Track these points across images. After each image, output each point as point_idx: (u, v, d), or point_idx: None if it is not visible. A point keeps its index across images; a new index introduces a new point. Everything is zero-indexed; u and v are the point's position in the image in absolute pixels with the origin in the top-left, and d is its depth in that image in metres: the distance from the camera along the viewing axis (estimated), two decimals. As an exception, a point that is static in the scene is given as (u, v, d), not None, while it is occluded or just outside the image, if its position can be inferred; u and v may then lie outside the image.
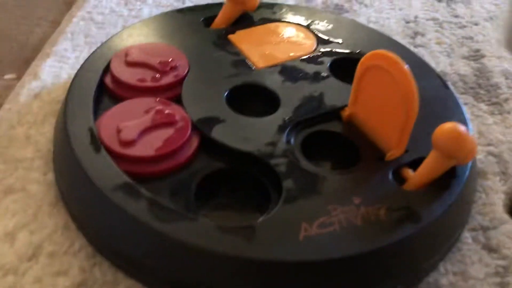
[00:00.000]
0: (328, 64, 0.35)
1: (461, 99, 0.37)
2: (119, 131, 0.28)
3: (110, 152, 0.27)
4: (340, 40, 0.37)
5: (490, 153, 0.33)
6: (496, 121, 0.36)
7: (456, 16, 0.46)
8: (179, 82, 0.32)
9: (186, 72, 0.33)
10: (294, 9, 0.40)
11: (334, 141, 0.30)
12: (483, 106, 0.37)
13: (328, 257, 0.23)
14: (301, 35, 0.38)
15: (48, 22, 0.44)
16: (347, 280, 0.23)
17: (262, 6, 0.39)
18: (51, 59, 0.38)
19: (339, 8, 0.47)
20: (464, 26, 0.45)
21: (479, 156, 0.33)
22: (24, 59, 0.39)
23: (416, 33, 0.44)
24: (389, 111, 0.28)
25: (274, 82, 0.33)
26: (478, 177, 0.31)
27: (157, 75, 0.32)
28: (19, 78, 0.37)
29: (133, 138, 0.27)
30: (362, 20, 0.45)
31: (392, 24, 0.45)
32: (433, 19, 0.46)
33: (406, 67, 0.26)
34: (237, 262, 0.23)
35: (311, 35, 0.38)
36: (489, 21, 0.46)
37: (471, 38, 0.44)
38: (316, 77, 0.34)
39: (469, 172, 0.28)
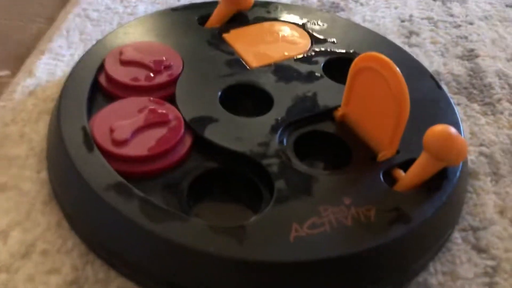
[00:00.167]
0: (322, 64, 0.35)
1: (454, 99, 0.37)
2: (112, 130, 0.28)
3: (103, 151, 0.27)
4: (334, 40, 0.37)
5: (482, 154, 0.33)
6: (488, 121, 0.36)
7: (451, 15, 0.47)
8: (173, 82, 0.32)
9: (180, 71, 0.33)
10: (289, 7, 0.41)
11: (327, 141, 0.31)
12: (476, 106, 0.37)
13: (318, 258, 0.23)
14: (296, 34, 0.38)
15: (43, 18, 0.44)
16: (337, 281, 0.24)
17: (257, 4, 0.39)
18: (46, 57, 0.38)
19: (334, 7, 0.47)
20: (459, 26, 0.45)
21: (471, 157, 0.33)
22: (19, 56, 0.39)
23: (411, 32, 0.44)
24: (381, 112, 0.28)
25: (267, 81, 0.33)
26: (469, 178, 0.31)
27: (151, 74, 0.32)
28: (13, 75, 0.37)
29: (126, 137, 0.28)
30: (357, 18, 0.45)
31: (387, 23, 0.45)
32: (428, 18, 0.46)
33: (398, 69, 0.27)
34: (228, 263, 0.23)
35: (305, 34, 0.38)
36: (484, 20, 0.46)
37: (465, 37, 0.44)
38: (310, 77, 0.34)
39: (459, 173, 0.28)
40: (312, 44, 0.37)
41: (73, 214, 0.27)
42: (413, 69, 0.35)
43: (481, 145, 0.34)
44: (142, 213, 0.24)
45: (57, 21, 0.42)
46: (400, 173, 0.28)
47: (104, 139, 0.28)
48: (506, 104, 0.37)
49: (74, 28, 0.41)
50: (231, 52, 0.35)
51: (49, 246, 0.26)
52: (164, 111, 0.29)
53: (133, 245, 0.25)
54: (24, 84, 0.35)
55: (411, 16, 0.46)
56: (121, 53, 0.33)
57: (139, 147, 0.27)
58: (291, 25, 0.38)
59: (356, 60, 0.29)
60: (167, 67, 0.33)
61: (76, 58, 0.37)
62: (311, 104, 0.32)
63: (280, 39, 0.37)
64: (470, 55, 0.42)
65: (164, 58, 0.33)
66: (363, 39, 0.38)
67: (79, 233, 0.26)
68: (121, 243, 0.25)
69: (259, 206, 0.27)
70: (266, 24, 0.38)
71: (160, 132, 0.28)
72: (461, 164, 0.29)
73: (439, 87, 0.34)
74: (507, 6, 0.48)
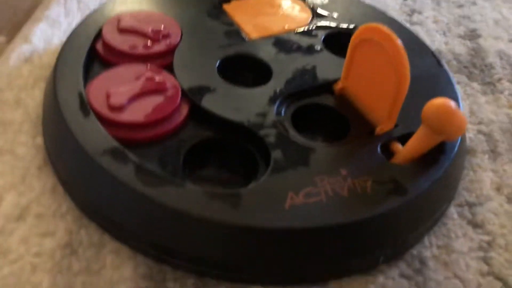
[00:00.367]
0: (322, 38, 0.34)
1: (455, 77, 0.37)
2: (108, 96, 0.28)
3: (99, 117, 0.27)
4: (335, 15, 0.37)
5: (480, 132, 0.33)
6: (488, 100, 0.36)
7: (455, -5, 0.46)
8: (171, 51, 0.32)
9: (178, 40, 0.33)
10: (291, -19, 0.40)
11: (325, 115, 0.30)
12: (476, 85, 0.37)
13: (312, 226, 0.23)
14: (297, 7, 0.37)
15: (41, -14, 0.43)
16: (331, 249, 0.24)
17: (258, -23, 0.39)
18: (43, 24, 0.37)
19: (337, -17, 0.46)
20: (462, 5, 0.45)
21: (469, 135, 0.33)
22: (15, 23, 0.39)
23: (413, 11, 0.44)
24: (381, 85, 0.28)
25: (266, 53, 0.33)
26: (467, 155, 0.31)
27: (149, 43, 0.32)
28: (9, 41, 0.37)
29: (122, 103, 0.27)
30: (359, -4, 0.45)
31: (390, 1, 0.45)
32: (431, -3, 0.46)
33: (399, 41, 0.26)
34: (222, 228, 0.23)
35: (306, 9, 0.37)
36: (488, 0, 0.45)
37: (468, 17, 0.43)
38: (310, 50, 0.33)
39: (457, 148, 0.28)
40: (313, 18, 0.36)
41: (68, 179, 0.27)
42: (414, 46, 0.35)
43: (480, 123, 0.34)
44: (138, 178, 0.24)
45: (55, -11, 0.41)
46: (397, 146, 0.28)
47: (100, 104, 0.27)
48: (506, 84, 0.37)
49: (72, -3, 0.40)
50: (231, 23, 0.35)
51: (44, 210, 0.26)
52: (161, 79, 0.29)
53: (127, 210, 0.24)
54: (20, 50, 0.35)
55: (414, -6, 0.46)
56: (119, 21, 0.33)
57: (135, 113, 0.27)
58: (293, -2, 0.38)
59: (357, 32, 0.28)
60: (166, 36, 0.32)
61: (74, 26, 0.37)
62: (310, 76, 0.31)
63: (281, 12, 0.36)
64: (472, 35, 0.41)
65: (162, 27, 0.33)
66: (365, 15, 0.37)
67: (74, 198, 0.26)
68: (116, 208, 0.25)
69: (255, 177, 0.26)
70: (267, -3, 0.38)
71: (157, 99, 0.28)
72: (459, 140, 0.28)
73: (440, 64, 0.34)
74: (511, -13, 0.48)
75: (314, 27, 0.35)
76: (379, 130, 0.28)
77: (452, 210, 0.28)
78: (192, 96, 0.29)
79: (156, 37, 0.32)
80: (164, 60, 0.31)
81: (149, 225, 0.24)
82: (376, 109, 0.29)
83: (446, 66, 0.34)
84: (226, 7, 0.36)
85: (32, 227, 0.25)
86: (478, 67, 0.38)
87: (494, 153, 0.32)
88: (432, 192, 0.26)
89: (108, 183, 0.25)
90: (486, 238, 0.27)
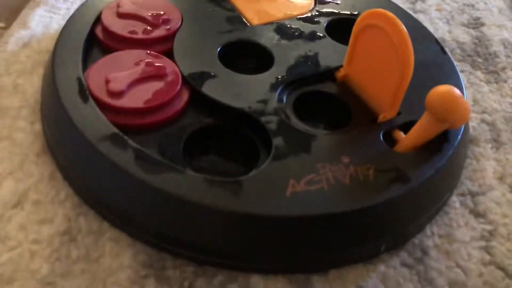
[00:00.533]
0: (325, 25, 0.34)
1: (458, 66, 0.37)
2: (107, 81, 0.27)
3: (98, 102, 0.27)
4: (338, 1, 0.36)
5: (483, 121, 0.33)
6: (491, 89, 0.35)
7: (459, -17, 0.45)
8: (171, 36, 0.31)
9: (178, 26, 0.32)
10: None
11: (327, 102, 0.30)
12: (479, 74, 0.36)
13: (313, 213, 0.23)
14: (299, -6, 0.37)
15: (39, -29, 0.42)
16: (333, 237, 0.23)
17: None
18: (42, 9, 0.37)
19: (339, -30, 0.45)
20: (466, -7, 0.44)
21: (473, 123, 0.33)
22: (14, 8, 0.38)
23: (417, -1, 0.43)
24: (384, 72, 0.27)
25: (268, 39, 0.32)
26: (470, 144, 0.31)
27: (149, 28, 0.31)
28: (8, 27, 0.36)
29: (122, 89, 0.27)
30: (362, -17, 0.44)
31: (393, -12, 0.44)
32: (435, -16, 0.45)
33: (403, 26, 0.26)
34: (223, 215, 0.23)
35: (309, -5, 0.37)
36: (492, -11, 0.45)
37: (472, 5, 0.43)
38: (312, 36, 0.33)
39: (460, 137, 0.28)
40: (315, 4, 0.36)
41: (67, 165, 0.26)
42: (418, 33, 0.34)
43: (483, 112, 0.33)
44: (137, 164, 0.24)
45: (53, -26, 0.41)
46: (400, 134, 0.27)
47: (99, 90, 0.27)
48: (510, 73, 0.36)
49: (70, -18, 0.40)
50: (232, 8, 0.34)
51: (42, 197, 0.26)
52: (161, 65, 0.29)
53: (127, 196, 0.24)
54: (18, 35, 0.34)
55: (417, -18, 0.45)
56: (118, 5, 0.32)
57: (135, 99, 0.27)
58: (295, -16, 0.37)
59: (360, 17, 0.28)
60: (166, 21, 0.32)
61: (72, 12, 0.36)
62: (312, 63, 0.31)
63: (283, -2, 0.36)
64: (476, 23, 0.41)
65: (162, 12, 0.32)
66: (368, 1, 0.37)
67: (73, 184, 0.26)
68: (115, 194, 0.24)
69: (255, 164, 0.26)
70: (269, -17, 0.37)
71: (156, 85, 0.28)
72: (462, 128, 0.28)
73: (444, 51, 0.33)
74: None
75: (316, 13, 0.35)
76: (381, 117, 0.28)
77: (454, 199, 0.28)
78: (192, 82, 0.29)
79: (156, 22, 0.32)
80: (164, 46, 0.31)
81: (148, 212, 0.24)
82: (379, 96, 0.28)
83: (450, 54, 0.34)
84: (227, -8, 0.35)
85: (30, 214, 0.25)
86: (482, 55, 0.38)
87: (497, 142, 0.31)
88: (434, 181, 0.26)
89: (108, 169, 0.24)
90: (488, 227, 0.27)
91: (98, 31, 0.31)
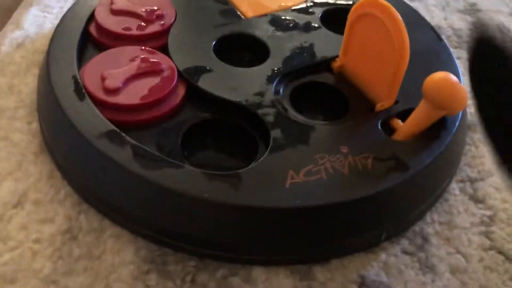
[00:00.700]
0: (320, 15, 0.34)
1: (455, 53, 0.36)
2: (103, 79, 0.27)
3: (95, 100, 0.27)
4: (333, -9, 0.36)
5: (481, 107, 0.33)
6: (488, 75, 0.35)
7: (454, -31, 0.45)
8: (166, 31, 0.31)
9: (172, 21, 0.32)
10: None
11: (324, 93, 0.30)
12: (476, 60, 0.36)
13: (314, 204, 0.23)
14: (293, -16, 0.36)
15: (31, -30, 0.42)
16: (333, 227, 0.23)
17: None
18: (35, 8, 0.37)
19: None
20: (461, -21, 0.44)
21: (470, 110, 0.32)
22: (6, 8, 0.38)
23: (411, -14, 0.43)
24: (380, 61, 0.27)
25: (263, 32, 0.32)
26: (468, 130, 0.31)
27: (143, 24, 0.31)
28: (1, 27, 0.36)
29: (118, 86, 0.27)
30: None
31: (387, -23, 0.44)
32: (430, -29, 0.45)
33: (398, 14, 0.26)
34: (223, 208, 0.23)
35: (303, -15, 0.36)
36: (487, -26, 0.45)
37: (467, -9, 0.43)
38: (307, 27, 0.33)
39: (458, 123, 0.28)
40: (310, -6, 0.36)
41: (65, 164, 0.26)
42: (414, 21, 0.34)
43: (481, 98, 0.33)
44: (135, 160, 0.24)
45: (45, -27, 0.41)
46: (398, 122, 0.27)
47: (95, 87, 0.27)
48: (507, 58, 0.36)
49: (63, -20, 0.39)
50: (226, 1, 0.34)
51: (42, 196, 0.26)
52: (156, 60, 0.29)
53: (126, 193, 0.24)
54: (12, 36, 0.34)
55: (412, -31, 0.45)
56: (112, 2, 0.32)
57: (131, 95, 0.27)
58: (288, -25, 0.37)
59: (355, 6, 0.28)
60: (160, 17, 0.32)
61: (66, 10, 0.36)
62: (308, 54, 0.31)
63: (277, -10, 0.36)
64: (471, 9, 0.41)
65: (156, 8, 0.32)
66: (362, -9, 0.36)
67: (72, 183, 0.26)
68: (114, 192, 0.24)
69: (254, 157, 0.26)
70: (263, -25, 0.37)
71: (152, 81, 0.28)
72: (460, 115, 0.28)
73: (440, 39, 0.33)
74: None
75: (311, 4, 0.35)
76: (379, 106, 0.28)
77: (454, 186, 0.28)
78: (188, 77, 0.29)
79: (150, 18, 0.32)
80: (159, 41, 0.31)
81: (148, 208, 0.24)
82: (376, 85, 0.28)
83: (446, 41, 0.34)
84: (221, -15, 0.35)
85: (30, 214, 0.25)
86: (478, 41, 0.38)
87: (495, 128, 0.31)
88: (433, 168, 0.26)
89: (106, 166, 0.24)
90: (487, 213, 0.27)
91: (92, 29, 0.31)
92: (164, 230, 0.24)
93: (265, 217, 0.23)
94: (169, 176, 0.23)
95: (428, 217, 0.26)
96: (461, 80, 0.31)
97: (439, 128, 0.27)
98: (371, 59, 0.28)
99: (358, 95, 0.29)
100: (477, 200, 0.27)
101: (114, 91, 0.27)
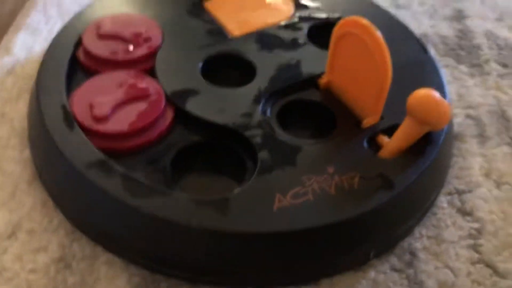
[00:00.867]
0: (306, 31, 0.34)
1: (442, 61, 0.37)
2: (92, 107, 0.28)
3: (84, 128, 0.27)
4: (318, 4, 0.36)
5: (468, 116, 0.33)
6: (476, 83, 0.35)
7: (440, -26, 0.45)
8: (153, 54, 0.31)
9: (159, 43, 0.32)
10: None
11: (312, 109, 0.30)
12: (463, 68, 0.37)
13: (302, 227, 0.23)
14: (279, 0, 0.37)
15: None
16: (321, 249, 0.24)
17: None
18: (23, 32, 0.37)
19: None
20: (448, -15, 0.44)
21: (458, 119, 0.33)
22: (-5, 33, 0.38)
23: (398, -6, 0.43)
24: (364, 78, 0.28)
25: (250, 50, 0.32)
26: (455, 140, 0.31)
27: (130, 47, 0.32)
28: (-10, 53, 0.36)
29: (106, 113, 0.27)
30: (343, -19, 0.44)
31: (374, -15, 0.44)
32: (416, -22, 0.45)
33: (379, 34, 0.26)
34: (212, 235, 0.23)
35: (288, 0, 0.37)
36: (473, -21, 0.45)
37: (454, -3, 0.43)
38: (294, 44, 0.33)
39: (444, 137, 0.28)
40: (295, 9, 0.36)
41: (57, 193, 0.27)
42: (398, 33, 0.35)
43: (468, 107, 0.34)
44: (125, 189, 0.24)
45: (33, -5, 0.41)
46: (384, 139, 0.28)
47: (84, 116, 0.27)
48: (493, 65, 0.37)
49: (51, 2, 0.40)
50: (212, 21, 0.34)
51: (35, 225, 0.26)
52: (144, 85, 0.29)
53: (117, 221, 0.25)
54: (1, 62, 0.35)
55: (398, -24, 0.45)
56: (98, 26, 0.33)
57: (120, 123, 0.27)
58: (274, -10, 0.37)
59: (337, 25, 0.28)
60: (146, 40, 0.32)
61: (54, 33, 0.36)
62: (295, 72, 0.31)
63: (263, 6, 0.36)
64: (459, 16, 0.41)
65: (143, 30, 0.33)
66: (348, 3, 0.37)
67: (64, 211, 0.26)
68: (105, 220, 0.25)
69: (243, 178, 0.27)
70: (248, -10, 0.37)
71: (140, 106, 0.28)
72: (446, 128, 0.28)
73: (425, 50, 0.33)
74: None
75: (297, 20, 0.35)
76: (365, 123, 0.28)
77: (442, 199, 0.28)
78: (176, 100, 0.29)
79: (137, 41, 0.32)
80: (147, 64, 0.31)
81: (139, 236, 0.24)
82: (362, 102, 0.28)
83: (431, 52, 0.34)
84: (207, 4, 0.36)
85: (25, 244, 0.25)
86: (465, 48, 0.38)
87: (483, 137, 0.32)
88: (420, 184, 0.26)
89: (96, 195, 0.25)
90: (475, 225, 0.27)
91: (80, 54, 0.32)
92: (155, 257, 0.24)
93: (254, 242, 0.23)
94: (157, 204, 0.24)
95: (416, 232, 0.27)
96: (446, 90, 0.31)
97: (425, 143, 0.27)
98: (356, 76, 0.28)
99: (345, 111, 0.29)
100: (465, 212, 0.28)
101: (103, 119, 0.27)
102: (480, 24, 0.40)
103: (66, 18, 0.37)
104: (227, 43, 0.33)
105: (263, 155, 0.26)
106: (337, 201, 0.24)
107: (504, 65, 0.37)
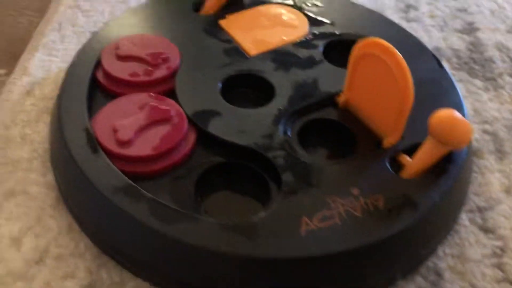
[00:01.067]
0: (321, 48, 0.34)
1: (456, 76, 0.37)
2: (115, 130, 0.28)
3: (107, 152, 0.27)
4: (332, 21, 0.37)
5: (485, 131, 0.33)
6: (490, 97, 0.36)
7: (450, -13, 0.46)
8: (172, 75, 0.32)
9: (178, 63, 0.32)
10: (285, -12, 0.40)
11: (331, 128, 0.30)
12: (477, 82, 0.37)
13: (331, 252, 0.23)
14: (293, 17, 0.37)
15: (33, 11, 0.43)
16: (350, 272, 0.24)
17: (251, -13, 0.38)
18: (40, 53, 0.37)
19: (330, -17, 0.46)
20: (458, -2, 0.44)
21: (475, 135, 0.33)
22: (13, 53, 0.38)
23: (408, 6, 0.43)
24: (385, 98, 0.28)
25: (267, 69, 0.33)
26: (473, 157, 0.32)
27: (150, 68, 0.32)
28: (9, 73, 0.37)
29: (130, 137, 0.27)
30: (354, -5, 0.44)
31: (385, -2, 0.44)
32: (426, -10, 0.45)
33: (400, 56, 0.26)
34: (240, 261, 0.23)
35: (303, 17, 0.37)
36: (483, -9, 0.45)
37: (465, 10, 0.43)
38: (310, 62, 0.33)
39: (465, 155, 0.28)
40: (310, 26, 0.36)
41: (82, 217, 0.27)
42: (413, 48, 0.35)
43: (485, 122, 0.34)
44: (152, 214, 0.24)
45: (48, 14, 0.41)
46: (406, 158, 0.28)
47: (107, 139, 0.28)
48: (507, 78, 0.37)
49: (66, 21, 0.40)
50: (229, 40, 0.34)
51: (62, 250, 0.26)
52: (166, 107, 0.29)
53: (144, 246, 0.25)
54: (20, 83, 0.35)
55: (408, -11, 0.45)
56: (117, 47, 0.33)
57: (143, 146, 0.27)
58: (288, 7, 0.38)
59: (357, 45, 0.28)
60: (165, 60, 0.32)
61: (70, 52, 0.37)
62: (312, 90, 0.31)
63: (278, 23, 0.36)
64: (470, 28, 0.41)
65: (161, 51, 0.33)
66: (362, 19, 0.37)
67: (90, 235, 0.27)
68: (132, 245, 0.25)
69: (267, 198, 0.27)
70: (262, 8, 0.37)
71: (163, 129, 0.28)
72: (466, 148, 0.29)
73: (441, 65, 0.34)
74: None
75: (312, 37, 0.35)
76: (386, 143, 0.28)
77: (463, 217, 0.29)
78: (197, 121, 0.29)
79: (155, 62, 0.32)
80: (166, 85, 0.31)
81: (167, 261, 0.24)
82: (382, 121, 0.29)
83: (446, 65, 0.34)
84: (222, 22, 0.36)
85: (53, 270, 0.25)
86: (478, 62, 0.38)
87: (500, 153, 0.32)
88: (443, 203, 0.26)
89: (122, 220, 0.25)
90: (498, 243, 0.27)
91: (100, 76, 0.32)
92: (184, 282, 0.24)
93: (283, 267, 0.23)
94: (184, 229, 0.24)
95: (440, 251, 0.27)
96: (464, 106, 0.31)
97: (446, 162, 0.27)
98: (375, 96, 0.28)
99: (364, 130, 0.29)
100: (487, 230, 0.28)
101: (127, 143, 0.27)
102: (491, 36, 0.41)
103: (82, 36, 0.38)
104: (245, 63, 0.33)
105: (286, 177, 0.27)
106: (364, 224, 0.24)
107: (518, 79, 0.37)
